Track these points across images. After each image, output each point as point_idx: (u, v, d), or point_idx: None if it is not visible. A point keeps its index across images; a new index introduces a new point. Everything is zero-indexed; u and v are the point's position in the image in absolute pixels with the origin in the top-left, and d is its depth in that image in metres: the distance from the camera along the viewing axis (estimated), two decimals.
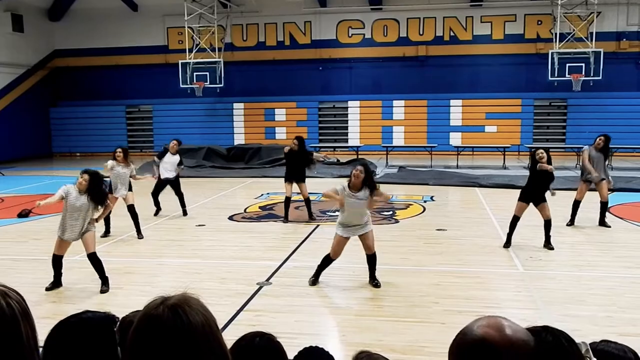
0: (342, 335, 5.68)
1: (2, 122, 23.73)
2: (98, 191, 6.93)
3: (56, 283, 7.05)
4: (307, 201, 11.07)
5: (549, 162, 8.55)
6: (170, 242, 9.56)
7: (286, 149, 10.95)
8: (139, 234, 9.80)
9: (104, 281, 6.98)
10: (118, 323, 1.73)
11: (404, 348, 5.10)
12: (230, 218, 11.35)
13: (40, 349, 1.55)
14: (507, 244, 8.75)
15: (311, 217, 11.05)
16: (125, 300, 6.33)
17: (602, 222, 10.15)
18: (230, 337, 1.71)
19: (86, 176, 6.90)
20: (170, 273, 7.83)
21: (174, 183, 11.56)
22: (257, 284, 7.06)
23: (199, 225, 10.77)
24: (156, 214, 11.57)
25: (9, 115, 24.13)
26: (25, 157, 24.17)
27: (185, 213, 11.61)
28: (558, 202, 11.36)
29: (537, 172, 8.57)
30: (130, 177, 10.00)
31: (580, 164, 9.97)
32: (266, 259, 8.24)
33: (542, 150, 8.66)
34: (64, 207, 6.96)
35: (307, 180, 11.13)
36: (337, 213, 11.81)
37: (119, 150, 9.93)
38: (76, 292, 7.01)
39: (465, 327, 1.28)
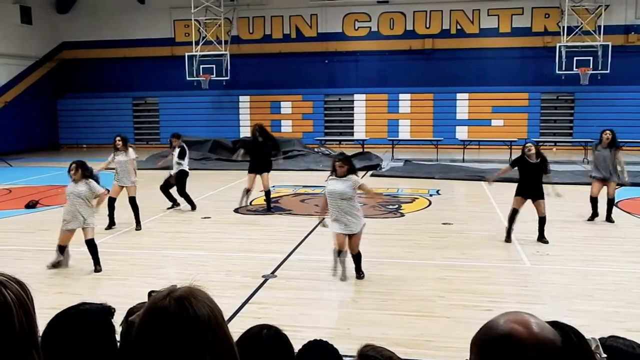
0: (346, 329, 5.68)
1: (10, 113, 23.79)
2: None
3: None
4: (268, 193, 11.17)
5: (539, 155, 8.54)
6: (175, 234, 9.58)
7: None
8: (138, 226, 9.84)
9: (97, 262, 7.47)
10: (115, 314, 1.74)
11: (409, 342, 5.09)
12: (236, 211, 11.36)
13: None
14: (508, 239, 8.69)
15: (269, 209, 11.16)
16: (130, 292, 6.35)
17: (609, 218, 10.12)
18: (235, 329, 1.71)
19: (74, 165, 7.38)
20: (175, 265, 7.86)
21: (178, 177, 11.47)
22: (263, 276, 7.07)
23: (205, 218, 10.79)
24: (173, 206, 11.46)
25: (17, 107, 24.22)
26: (32, 148, 24.24)
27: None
28: (565, 197, 11.32)
29: (529, 167, 8.53)
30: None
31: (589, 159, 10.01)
32: (271, 252, 8.24)
33: (530, 144, 8.63)
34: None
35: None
36: None
37: (118, 138, 10.01)
38: (82, 283, 7.05)
39: (490, 321, 1.26)
